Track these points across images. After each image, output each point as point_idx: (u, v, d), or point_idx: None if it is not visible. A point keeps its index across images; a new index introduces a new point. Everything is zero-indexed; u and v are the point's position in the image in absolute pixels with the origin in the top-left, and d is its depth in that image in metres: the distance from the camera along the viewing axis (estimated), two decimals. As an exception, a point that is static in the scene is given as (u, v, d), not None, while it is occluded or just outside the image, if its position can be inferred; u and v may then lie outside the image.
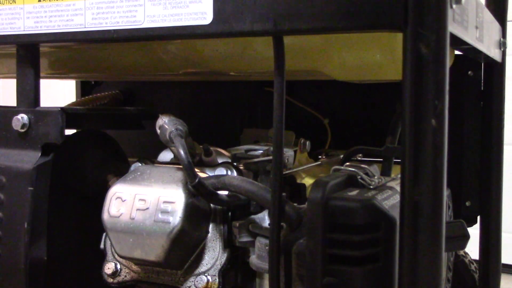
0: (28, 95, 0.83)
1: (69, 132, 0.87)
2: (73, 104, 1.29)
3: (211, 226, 0.80)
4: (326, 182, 0.65)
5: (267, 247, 0.72)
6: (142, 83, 1.44)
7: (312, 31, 0.61)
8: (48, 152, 0.81)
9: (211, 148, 0.87)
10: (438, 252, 0.54)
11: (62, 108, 0.81)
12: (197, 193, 0.76)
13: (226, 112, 1.36)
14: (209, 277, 0.79)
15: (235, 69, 1.00)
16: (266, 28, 0.63)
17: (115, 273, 0.83)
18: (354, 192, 0.67)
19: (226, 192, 0.78)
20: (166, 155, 0.92)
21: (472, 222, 1.14)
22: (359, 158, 1.01)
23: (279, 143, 0.67)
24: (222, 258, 0.79)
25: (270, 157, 0.82)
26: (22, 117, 0.81)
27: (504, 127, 1.12)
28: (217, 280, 0.79)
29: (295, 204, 0.71)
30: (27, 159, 0.81)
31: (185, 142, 0.78)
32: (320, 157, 1.14)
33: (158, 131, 0.80)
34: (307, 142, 1.02)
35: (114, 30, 0.72)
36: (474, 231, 0.98)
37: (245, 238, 0.79)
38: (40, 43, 0.82)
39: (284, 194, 0.69)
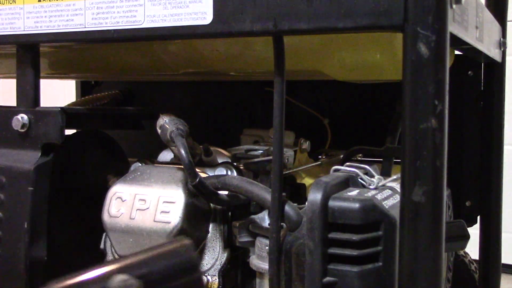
0: (28, 95, 0.83)
1: (69, 132, 0.87)
2: (73, 104, 1.29)
3: (211, 226, 0.80)
4: (326, 182, 0.65)
5: (267, 247, 0.72)
6: (142, 83, 1.44)
7: (312, 31, 0.61)
8: (48, 152, 0.81)
9: (211, 148, 0.87)
10: (438, 252, 0.54)
11: (62, 108, 0.81)
12: (198, 192, 0.76)
13: (226, 112, 1.36)
14: (209, 277, 0.79)
15: (235, 69, 1.00)
16: (266, 28, 0.63)
17: (115, 273, 0.83)
18: (354, 192, 0.67)
19: (226, 192, 0.78)
20: (166, 155, 0.92)
21: (472, 222, 1.14)
22: (359, 158, 1.01)
23: (279, 143, 0.67)
24: (222, 258, 0.79)
25: (270, 157, 0.82)
26: (22, 117, 0.81)
27: (504, 127, 1.12)
28: (217, 280, 0.79)
29: (295, 204, 0.71)
30: (27, 159, 0.81)
31: (186, 141, 0.78)
32: (320, 157, 1.14)
33: (159, 130, 0.80)
34: (307, 142, 1.02)
35: (114, 30, 0.72)
36: (474, 231, 0.98)
37: (245, 238, 0.79)
38: (40, 43, 0.82)
39: (284, 194, 0.69)
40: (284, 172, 0.80)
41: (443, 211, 0.54)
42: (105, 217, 0.80)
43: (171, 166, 0.85)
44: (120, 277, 0.39)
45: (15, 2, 0.79)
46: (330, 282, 0.63)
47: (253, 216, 0.81)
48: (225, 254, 0.79)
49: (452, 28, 0.60)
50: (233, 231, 0.79)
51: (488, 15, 0.92)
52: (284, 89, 0.66)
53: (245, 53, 0.89)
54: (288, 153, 0.91)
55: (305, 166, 0.99)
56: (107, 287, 0.38)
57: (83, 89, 1.52)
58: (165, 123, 0.80)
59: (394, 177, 0.77)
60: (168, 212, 0.77)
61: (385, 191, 0.70)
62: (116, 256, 0.83)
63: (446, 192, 0.55)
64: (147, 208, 0.78)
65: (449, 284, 0.95)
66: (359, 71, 0.86)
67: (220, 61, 0.94)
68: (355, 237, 0.62)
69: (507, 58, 1.13)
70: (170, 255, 0.42)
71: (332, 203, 0.63)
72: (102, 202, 0.82)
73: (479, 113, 1.12)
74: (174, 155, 0.90)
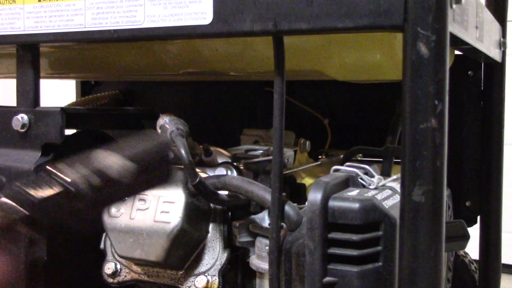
0: (28, 95, 0.83)
1: (69, 132, 0.86)
2: (73, 104, 1.29)
3: (211, 226, 0.80)
4: (326, 182, 0.65)
5: (267, 247, 0.72)
6: (142, 83, 1.44)
7: (312, 31, 0.61)
8: (48, 152, 0.81)
9: (211, 148, 0.87)
10: (438, 252, 0.54)
11: (62, 108, 0.81)
12: (198, 192, 0.76)
13: (226, 112, 1.36)
14: (209, 277, 0.79)
15: (235, 69, 1.00)
16: (266, 28, 0.63)
17: (115, 273, 0.83)
18: (354, 192, 0.67)
19: (226, 192, 0.78)
20: (166, 155, 0.92)
21: (472, 222, 1.14)
22: (359, 158, 1.01)
23: (279, 143, 0.67)
24: (222, 258, 0.79)
25: (270, 157, 0.82)
26: (22, 117, 0.81)
27: (504, 127, 1.12)
28: (217, 280, 0.79)
29: (295, 204, 0.71)
30: (27, 159, 0.81)
31: (186, 141, 0.78)
32: (320, 157, 1.14)
33: (159, 130, 0.80)
34: (307, 142, 1.02)
35: (114, 30, 0.72)
36: (474, 231, 0.98)
37: (245, 238, 0.79)
38: (40, 43, 0.82)
39: (284, 194, 0.69)
40: (284, 172, 0.80)
41: (443, 211, 0.54)
42: (105, 217, 0.80)
43: (171, 166, 0.85)
44: (114, 157, 0.49)
45: (15, 2, 0.79)
46: (330, 282, 0.63)
47: (253, 216, 0.81)
48: (225, 254, 0.79)
49: (452, 28, 0.60)
50: (233, 231, 0.79)
51: (488, 15, 0.92)
52: (284, 89, 0.66)
53: (245, 53, 0.89)
54: (288, 153, 0.91)
55: (305, 166, 0.99)
56: (106, 165, 0.47)
57: (83, 89, 1.52)
58: (165, 123, 0.80)
59: (394, 177, 0.77)
60: (168, 212, 0.77)
61: (385, 191, 0.70)
62: (116, 256, 0.83)
63: (446, 192, 0.55)
64: (147, 208, 0.78)
65: (449, 284, 0.95)
66: (359, 71, 0.86)
67: (220, 61, 0.94)
68: (355, 237, 0.62)
69: (507, 58, 1.13)
70: (144, 138, 0.54)
71: (332, 203, 0.63)
72: (102, 202, 0.82)
73: (479, 113, 1.12)
74: (174, 155, 0.90)
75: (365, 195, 0.66)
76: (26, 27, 0.79)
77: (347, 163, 0.76)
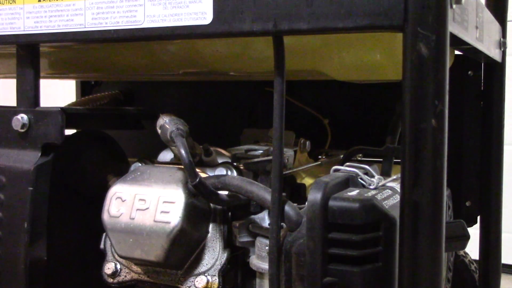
0: (28, 95, 0.83)
1: (69, 132, 0.87)
2: (73, 104, 1.28)
3: (211, 226, 0.80)
4: (326, 182, 0.65)
5: (267, 247, 0.72)
6: (142, 83, 1.44)
7: (312, 31, 0.61)
8: (48, 152, 0.81)
9: (211, 148, 0.87)
10: (438, 252, 0.54)
11: (62, 108, 0.81)
12: (198, 192, 0.77)
13: (226, 112, 1.36)
14: (209, 277, 0.79)
15: (235, 69, 1.00)
16: (266, 28, 0.63)
17: (115, 273, 0.83)
18: (354, 192, 0.67)
19: (226, 192, 0.78)
20: (166, 155, 0.92)
21: (472, 222, 1.14)
22: (359, 158, 1.01)
23: (279, 143, 0.67)
24: (222, 258, 0.79)
25: (270, 157, 0.82)
26: (22, 117, 0.81)
27: (504, 127, 1.12)
28: (217, 280, 0.79)
29: (295, 204, 0.71)
30: (27, 159, 0.81)
31: (186, 141, 0.78)
32: (320, 157, 1.14)
33: (159, 130, 0.80)
34: (307, 142, 1.02)
35: (114, 30, 0.72)
36: (474, 231, 0.98)
37: (245, 238, 0.79)
38: (40, 43, 0.82)
39: (284, 194, 0.69)
40: (284, 172, 0.80)
41: (443, 211, 0.54)
42: (105, 217, 0.80)
43: (171, 166, 0.85)
44: None
45: (15, 2, 0.79)
46: (330, 282, 0.63)
47: (253, 216, 0.81)
48: (225, 254, 0.79)
49: (452, 28, 0.60)
50: (233, 231, 0.80)
51: (488, 15, 0.92)
52: (284, 89, 0.66)
53: (245, 53, 0.89)
54: (288, 153, 0.91)
55: (305, 166, 0.99)
56: None
57: (83, 89, 1.52)
58: (165, 123, 0.80)
59: (394, 177, 0.77)
60: (168, 212, 0.77)
61: (385, 191, 0.70)
62: (116, 256, 0.83)
63: (446, 192, 0.55)
64: (147, 208, 0.78)
65: (449, 284, 0.95)
66: (359, 71, 0.86)
67: (220, 61, 0.94)
68: (355, 237, 0.62)
69: (507, 58, 1.13)
70: None
71: (332, 203, 0.63)
72: (102, 202, 0.82)
73: (479, 113, 1.12)
74: (174, 155, 0.90)
75: (365, 195, 0.66)
76: (26, 27, 0.79)
77: (347, 163, 0.76)
